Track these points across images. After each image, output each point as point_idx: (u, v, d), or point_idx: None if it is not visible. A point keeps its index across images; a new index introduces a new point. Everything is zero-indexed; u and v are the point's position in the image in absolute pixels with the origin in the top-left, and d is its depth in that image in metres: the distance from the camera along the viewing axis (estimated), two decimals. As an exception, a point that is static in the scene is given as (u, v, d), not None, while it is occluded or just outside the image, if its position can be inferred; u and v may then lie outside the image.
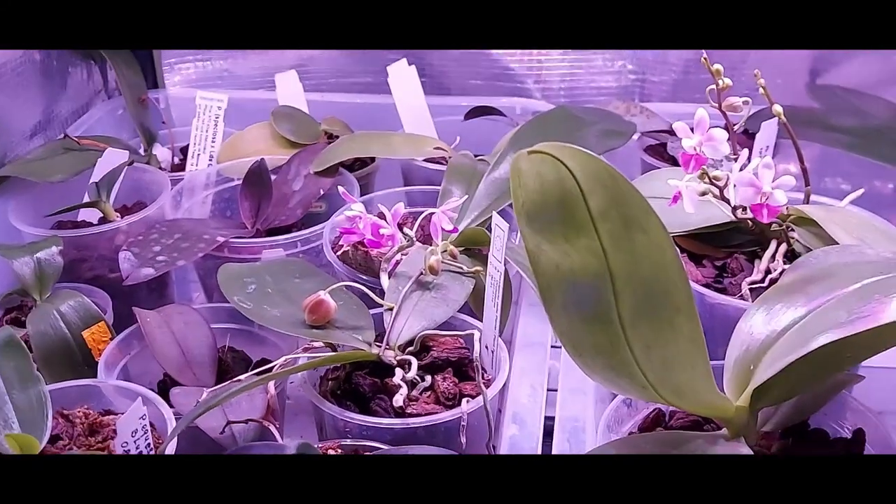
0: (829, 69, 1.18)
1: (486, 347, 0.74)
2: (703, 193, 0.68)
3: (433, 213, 0.83)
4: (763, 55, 1.18)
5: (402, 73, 1.09)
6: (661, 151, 1.09)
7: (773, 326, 0.62)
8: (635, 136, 1.05)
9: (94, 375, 0.79)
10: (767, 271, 0.74)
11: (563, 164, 0.55)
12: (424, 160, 1.06)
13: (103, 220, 1.03)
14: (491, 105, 1.16)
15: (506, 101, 1.20)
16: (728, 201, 0.69)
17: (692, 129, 0.68)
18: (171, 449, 0.65)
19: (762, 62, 1.19)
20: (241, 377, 0.69)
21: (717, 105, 0.71)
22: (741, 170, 0.68)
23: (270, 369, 0.72)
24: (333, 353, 0.72)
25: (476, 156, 1.07)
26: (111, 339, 0.84)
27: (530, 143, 1.00)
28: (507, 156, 0.95)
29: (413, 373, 0.69)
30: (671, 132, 1.11)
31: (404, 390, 0.67)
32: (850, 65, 1.16)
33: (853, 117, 1.01)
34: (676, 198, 0.72)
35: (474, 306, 0.80)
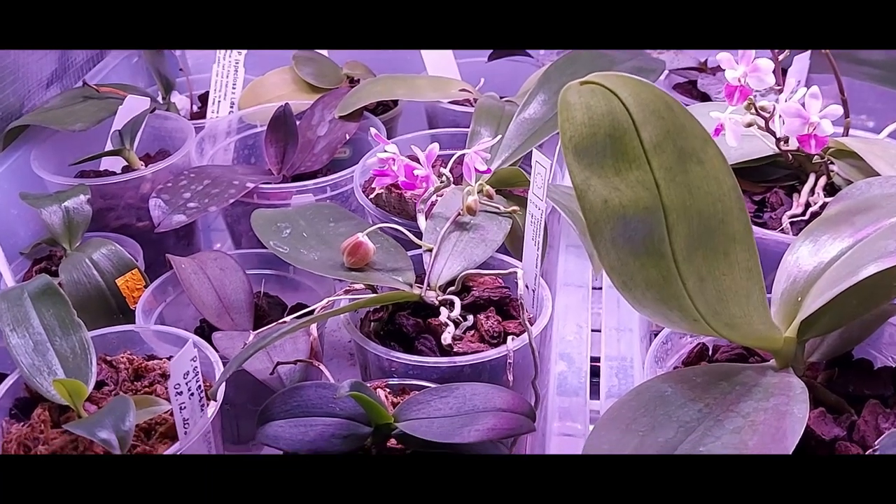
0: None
1: (528, 287, 0.74)
2: (750, 125, 0.67)
3: (465, 155, 0.83)
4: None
5: (425, 14, 1.07)
6: (690, 89, 1.07)
7: (819, 258, 0.62)
8: (664, 75, 1.04)
9: (130, 323, 0.79)
10: (807, 205, 0.74)
11: (615, 94, 0.54)
12: (450, 102, 1.04)
13: (127, 168, 1.02)
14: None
15: (528, 43, 1.18)
16: (773, 133, 0.68)
17: (736, 62, 0.67)
18: (221, 391, 0.65)
19: None
20: (286, 319, 0.69)
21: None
22: (787, 101, 0.67)
23: (309, 313, 0.72)
24: (375, 295, 0.72)
25: (502, 97, 1.06)
26: (145, 287, 0.84)
27: (560, 83, 1.00)
28: (536, 96, 0.94)
29: (457, 312, 0.69)
30: (700, 69, 1.10)
31: (451, 328, 0.67)
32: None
33: (882, 51, 0.99)
34: (718, 131, 0.71)
35: (511, 247, 0.80)
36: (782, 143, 0.69)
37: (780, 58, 0.71)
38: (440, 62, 1.09)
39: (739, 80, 0.67)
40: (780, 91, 0.67)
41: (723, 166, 0.54)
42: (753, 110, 0.66)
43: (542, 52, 1.15)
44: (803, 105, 0.65)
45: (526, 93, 0.98)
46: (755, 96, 0.68)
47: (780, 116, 0.67)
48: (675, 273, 0.56)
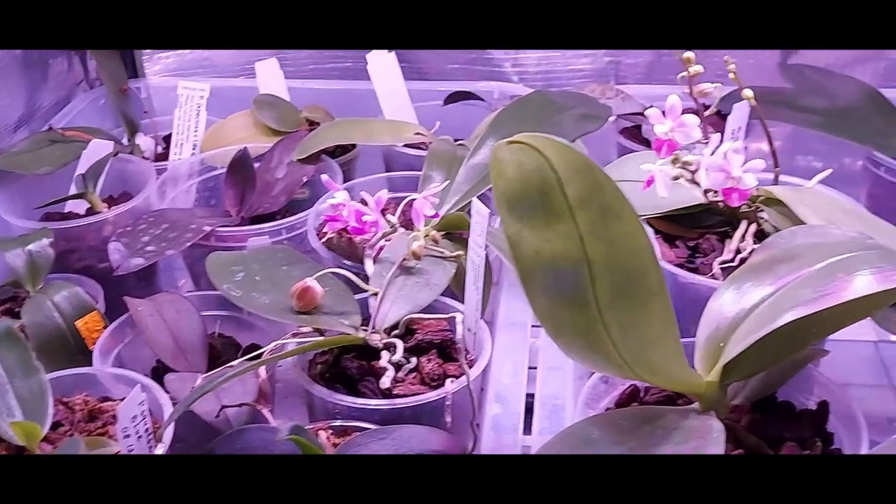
0: (799, 49, 1.20)
1: (469, 329, 0.77)
2: (676, 178, 0.71)
3: (415, 199, 0.86)
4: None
5: (382, 60, 1.11)
6: (637, 133, 1.11)
7: (742, 304, 0.65)
8: (611, 119, 1.08)
9: (89, 363, 0.81)
10: (738, 251, 0.77)
11: (542, 154, 0.58)
12: (405, 146, 1.08)
13: (90, 210, 1.04)
14: (469, 90, 1.18)
15: (483, 86, 1.22)
16: (699, 185, 0.72)
17: (664, 115, 0.71)
18: (168, 433, 0.67)
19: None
20: (234, 363, 0.71)
21: (688, 91, 0.73)
22: (712, 154, 0.70)
23: (260, 355, 0.74)
24: (321, 338, 0.74)
25: (456, 140, 1.09)
26: (104, 328, 0.86)
27: (508, 129, 1.04)
28: (486, 141, 0.98)
29: (399, 355, 0.72)
30: (644, 114, 1.14)
31: (391, 372, 0.69)
32: (820, 45, 1.18)
33: (822, 97, 1.03)
34: (650, 182, 0.75)
35: (456, 289, 0.83)
36: (710, 194, 0.73)
37: (707, 113, 0.75)
38: (397, 105, 1.12)
39: (667, 135, 0.70)
40: (707, 144, 0.71)
41: (639, 224, 0.57)
42: (679, 164, 0.70)
43: (495, 95, 1.19)
44: (726, 159, 0.69)
45: (477, 137, 1.01)
46: (684, 149, 0.72)
47: (705, 170, 0.70)
48: (600, 322, 0.59)
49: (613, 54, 1.27)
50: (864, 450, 0.63)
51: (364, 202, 0.85)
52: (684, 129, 0.70)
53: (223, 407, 0.70)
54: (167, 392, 0.72)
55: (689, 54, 0.73)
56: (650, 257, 0.57)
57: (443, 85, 1.22)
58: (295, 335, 0.76)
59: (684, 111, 0.76)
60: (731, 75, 0.72)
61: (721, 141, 0.94)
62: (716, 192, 0.74)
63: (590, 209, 0.57)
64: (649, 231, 0.83)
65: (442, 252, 0.82)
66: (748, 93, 0.74)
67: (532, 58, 1.27)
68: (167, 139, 1.22)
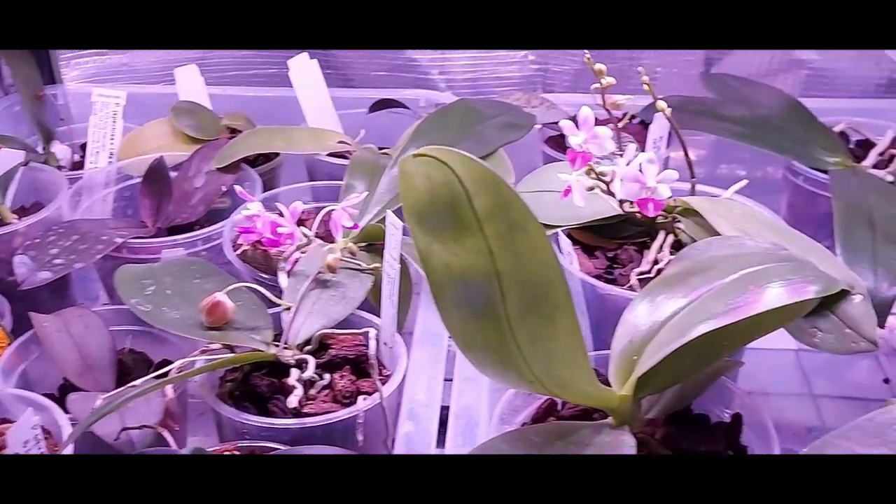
0: (723, 58, 1.21)
1: (385, 343, 0.75)
2: (591, 189, 0.70)
3: (333, 210, 0.84)
4: (661, 44, 1.21)
5: (304, 67, 1.09)
6: (562, 142, 1.10)
7: (655, 317, 0.64)
8: (537, 127, 1.07)
9: (-6, 380, 0.78)
10: (655, 262, 0.77)
11: (450, 167, 0.56)
12: (329, 154, 1.06)
13: (0, 222, 1.00)
14: (394, 98, 1.16)
15: (410, 94, 1.21)
16: (614, 195, 0.71)
17: (577, 126, 0.70)
18: (64, 458, 0.64)
19: (660, 51, 1.22)
20: (136, 382, 0.69)
21: (600, 103, 0.73)
22: (627, 165, 0.70)
23: (168, 372, 0.71)
24: (231, 355, 0.72)
25: (381, 149, 1.07)
26: (9, 345, 0.83)
27: (430, 138, 1.03)
28: (408, 150, 0.96)
29: (310, 372, 0.70)
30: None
31: (299, 391, 0.67)
32: (744, 54, 1.20)
33: (744, 107, 1.04)
34: (567, 192, 0.74)
35: (375, 302, 0.81)
36: (626, 204, 0.72)
37: (622, 123, 0.74)
38: (321, 113, 1.10)
39: (581, 146, 0.70)
40: (622, 155, 0.70)
41: (545, 238, 0.56)
42: (594, 175, 0.69)
43: (421, 103, 1.17)
44: (641, 170, 0.68)
45: (400, 146, 1.00)
46: (599, 160, 0.71)
47: (620, 180, 0.70)
48: (510, 336, 0.58)
49: (541, 63, 1.26)
50: (775, 462, 0.62)
51: (280, 213, 0.82)
52: (598, 140, 0.69)
53: (124, 429, 0.67)
54: (68, 413, 0.69)
55: (600, 66, 0.72)
56: (557, 272, 0.56)
57: (369, 92, 1.20)
58: (204, 352, 0.73)
59: (605, 122, 0.76)
60: (645, 87, 0.72)
61: (643, 150, 0.94)
62: (632, 202, 0.74)
63: (497, 223, 0.56)
64: (567, 242, 0.82)
65: (359, 264, 0.80)
66: (661, 104, 0.73)
67: (459, 65, 1.26)
68: (84, 147, 1.18)
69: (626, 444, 0.60)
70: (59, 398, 0.77)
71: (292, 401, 0.66)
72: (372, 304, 0.81)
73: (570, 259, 0.81)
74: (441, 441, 0.66)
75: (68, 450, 0.65)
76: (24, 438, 0.61)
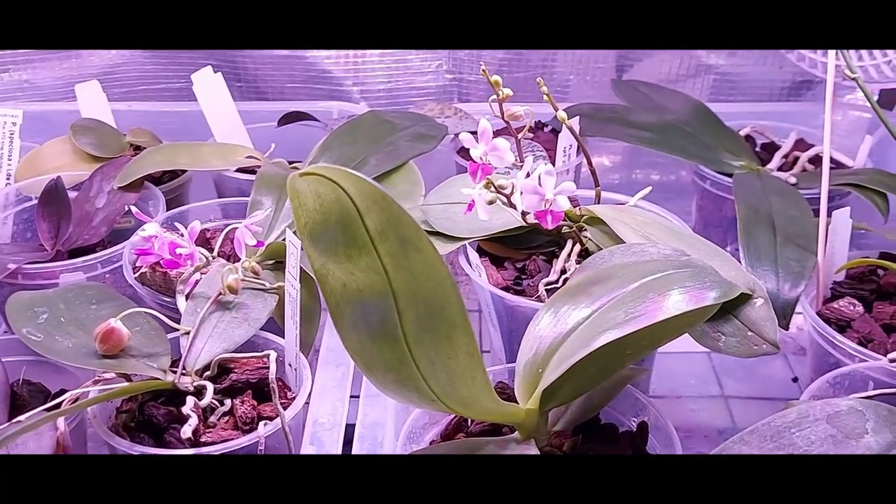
0: (634, 64, 1.22)
1: (290, 365, 0.73)
2: (491, 202, 0.69)
3: (236, 228, 0.82)
4: (573, 51, 1.22)
5: (208, 81, 1.06)
6: (475, 152, 1.10)
7: (559, 329, 0.64)
8: (449, 138, 1.06)
9: None
10: (563, 271, 0.76)
11: (339, 185, 0.55)
12: (238, 170, 1.03)
13: None
14: (306, 110, 1.14)
15: (323, 106, 1.19)
16: (515, 207, 0.70)
17: (476, 140, 0.69)
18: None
19: (573, 58, 1.23)
20: (23, 416, 0.65)
21: (499, 115, 0.72)
22: (527, 177, 0.69)
23: (60, 404, 0.68)
24: (126, 384, 0.69)
25: (292, 163, 1.05)
26: None
27: (339, 151, 1.01)
28: (317, 163, 0.94)
29: (208, 398, 0.68)
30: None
31: (193, 420, 0.65)
32: (653, 60, 1.21)
33: (652, 113, 1.05)
34: (471, 206, 0.73)
35: (281, 322, 0.79)
36: (528, 216, 0.72)
37: (521, 135, 0.73)
38: (228, 128, 1.07)
39: (481, 159, 0.69)
40: (521, 167, 0.70)
41: (437, 255, 0.55)
42: (493, 188, 0.68)
43: (335, 115, 1.15)
44: (540, 182, 0.68)
45: (310, 160, 0.98)
46: (501, 172, 0.71)
47: (521, 192, 0.69)
48: (408, 356, 0.57)
49: (455, 72, 1.26)
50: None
51: (180, 233, 0.80)
52: (497, 152, 0.68)
53: (8, 468, 0.64)
54: (-50, 452, 0.65)
55: (496, 78, 0.71)
56: (451, 288, 0.55)
57: (281, 105, 1.18)
58: (97, 381, 0.70)
59: (504, 132, 0.75)
60: (545, 97, 0.71)
61: (554, 159, 0.94)
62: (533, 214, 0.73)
63: (390, 241, 0.55)
64: (475, 255, 0.81)
65: (263, 284, 0.78)
66: (562, 115, 0.73)
67: (374, 75, 1.25)
68: (-19, 168, 1.13)
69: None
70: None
71: (186, 430, 0.64)
72: (277, 324, 0.79)
73: (480, 271, 0.80)
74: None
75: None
76: None
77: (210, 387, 0.68)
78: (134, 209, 0.82)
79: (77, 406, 0.66)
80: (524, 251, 0.82)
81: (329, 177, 0.55)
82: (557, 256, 0.79)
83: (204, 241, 0.90)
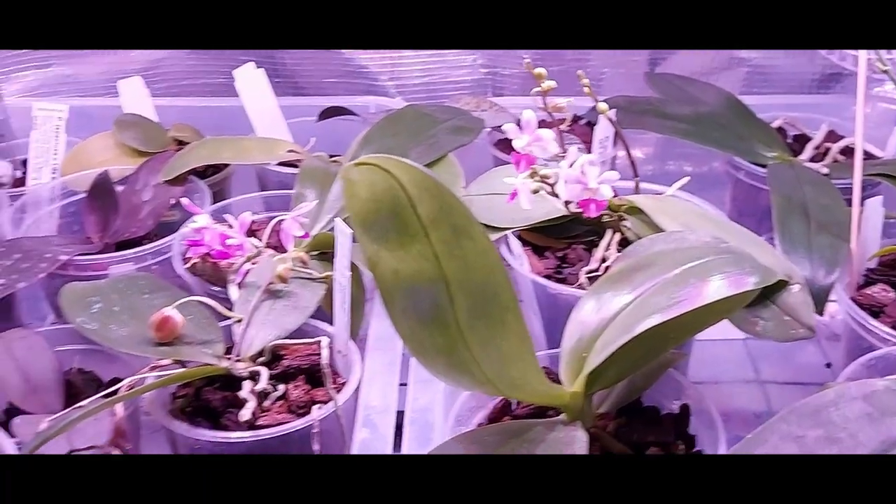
0: (667, 58, 1.24)
1: (339, 351, 0.75)
2: (536, 191, 0.71)
3: (283, 220, 0.84)
4: (606, 45, 1.23)
5: (250, 77, 1.08)
6: (510, 145, 1.11)
7: (602, 314, 0.65)
8: (486, 131, 1.08)
9: (-66, 407, 0.76)
10: (603, 260, 0.78)
11: (392, 174, 0.57)
12: (279, 164, 1.05)
13: (-61, 242, 0.98)
14: (345, 105, 1.16)
15: (361, 100, 1.21)
16: (559, 196, 0.72)
17: (521, 131, 0.71)
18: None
19: (607, 52, 1.24)
20: (84, 402, 0.68)
21: (543, 107, 0.74)
22: (570, 167, 0.71)
23: (117, 391, 0.71)
24: (182, 370, 0.72)
25: (332, 156, 1.07)
26: (-50, 370, 0.81)
27: (381, 144, 1.03)
28: (358, 157, 0.96)
29: (263, 383, 0.70)
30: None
31: (251, 403, 0.67)
32: (686, 54, 1.22)
33: (687, 105, 1.06)
34: (514, 195, 0.75)
35: (328, 310, 0.81)
36: (571, 205, 0.73)
37: (564, 126, 0.75)
38: (269, 123, 1.10)
39: (524, 149, 0.71)
40: (565, 157, 0.71)
41: (489, 243, 0.57)
42: (537, 178, 0.70)
43: (372, 109, 1.18)
44: (583, 172, 0.69)
45: (350, 153, 1.00)
46: (544, 162, 0.72)
47: (564, 182, 0.71)
48: (460, 340, 0.58)
49: (490, 66, 1.27)
50: (723, 449, 0.64)
51: (229, 225, 0.82)
52: (541, 143, 0.70)
53: (72, 451, 0.67)
54: (13, 437, 0.68)
55: (540, 70, 0.73)
56: (503, 275, 0.57)
57: (319, 100, 1.20)
58: (154, 368, 0.72)
59: (549, 125, 0.77)
60: (586, 90, 0.73)
61: (590, 150, 0.96)
62: (576, 203, 0.75)
63: (442, 229, 0.57)
64: (517, 244, 0.83)
65: (311, 273, 0.80)
66: (603, 107, 0.75)
67: (410, 70, 1.27)
68: (26, 163, 1.16)
69: (578, 438, 0.61)
70: (4, 422, 0.76)
71: (245, 414, 0.66)
72: (325, 312, 0.81)
73: (521, 260, 0.82)
74: (397, 446, 0.67)
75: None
76: (-30, 463, 0.60)
77: (265, 372, 0.71)
78: (184, 201, 0.84)
79: (137, 391, 0.68)
80: (564, 241, 0.83)
81: (382, 166, 0.57)
82: (597, 245, 0.80)
83: (249, 232, 0.93)
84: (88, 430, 0.69)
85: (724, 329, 0.67)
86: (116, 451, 0.68)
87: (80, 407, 0.66)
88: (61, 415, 0.66)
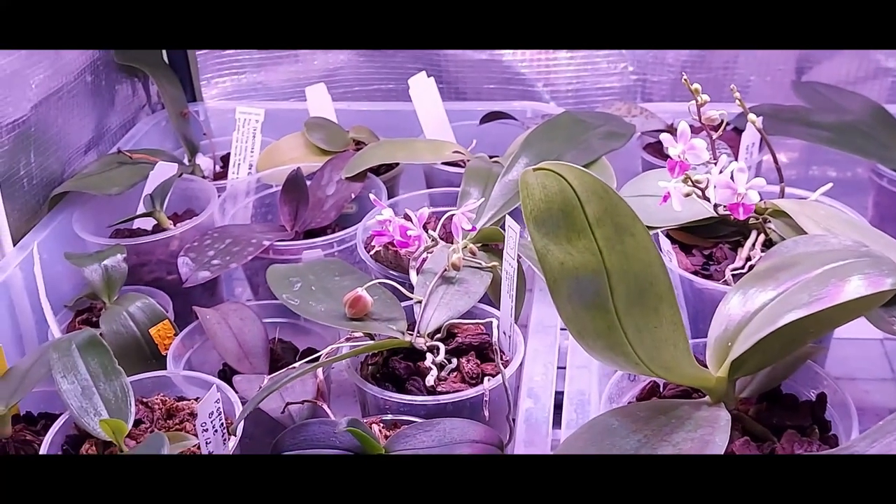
0: (813, 66, 1.27)
1: (504, 333, 0.86)
2: (688, 194, 0.78)
3: (454, 215, 0.95)
4: (753, 53, 1.28)
5: (422, 85, 1.20)
6: (660, 149, 1.18)
7: (747, 308, 0.72)
8: (636, 136, 1.16)
9: (161, 367, 0.90)
10: (748, 259, 0.85)
11: (564, 178, 0.66)
12: (444, 163, 1.17)
13: (157, 227, 1.14)
14: (503, 110, 1.26)
15: (517, 105, 1.31)
16: (709, 200, 0.80)
17: (676, 139, 0.79)
18: (240, 427, 0.76)
19: (753, 60, 1.29)
20: (294, 365, 0.81)
21: (697, 118, 0.81)
22: (720, 173, 0.78)
23: (317, 358, 0.83)
24: (372, 342, 0.84)
25: (491, 157, 1.18)
26: (175, 335, 0.96)
27: (539, 147, 1.13)
28: (518, 159, 1.06)
29: (441, 356, 0.81)
30: (667, 131, 1.22)
31: (434, 372, 0.78)
32: (832, 62, 1.25)
33: (832, 113, 1.10)
34: (666, 197, 0.83)
35: (493, 297, 0.91)
36: (720, 208, 0.81)
37: (716, 136, 0.82)
38: (437, 126, 1.21)
39: (678, 157, 0.78)
40: (716, 164, 0.79)
41: (649, 239, 0.65)
42: (690, 183, 0.78)
43: (528, 114, 1.27)
44: (732, 178, 0.77)
45: (510, 155, 1.10)
46: (695, 168, 0.80)
47: (714, 187, 0.78)
48: (617, 325, 0.67)
49: (639, 73, 1.34)
50: (856, 434, 0.70)
51: (408, 218, 0.94)
52: (694, 151, 0.78)
53: (288, 404, 0.80)
54: (236, 392, 0.82)
55: (696, 86, 0.80)
56: (660, 268, 0.65)
57: (479, 105, 1.31)
58: (348, 340, 0.85)
59: (700, 131, 0.84)
60: (737, 101, 0.80)
61: (737, 156, 1.02)
62: (725, 206, 0.82)
63: (606, 226, 0.66)
64: (666, 242, 0.91)
65: (479, 263, 0.91)
66: (752, 117, 0.81)
67: (562, 77, 1.36)
68: (224, 159, 1.32)
69: (721, 417, 0.68)
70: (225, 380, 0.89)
71: (430, 380, 0.77)
72: (490, 298, 0.91)
73: (670, 257, 0.90)
74: (557, 417, 0.76)
75: (240, 425, 0.77)
76: (209, 410, 0.74)
77: (442, 347, 0.82)
78: (372, 197, 0.97)
79: (336, 358, 0.81)
80: (710, 240, 0.90)
81: (555, 171, 0.66)
82: (742, 245, 0.87)
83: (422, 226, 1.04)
84: (297, 389, 0.82)
85: (862, 328, 0.73)
86: (325, 405, 0.80)
87: (293, 368, 0.78)
88: (278, 374, 0.79)
